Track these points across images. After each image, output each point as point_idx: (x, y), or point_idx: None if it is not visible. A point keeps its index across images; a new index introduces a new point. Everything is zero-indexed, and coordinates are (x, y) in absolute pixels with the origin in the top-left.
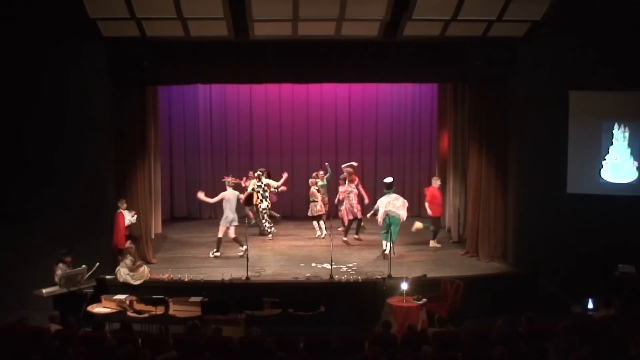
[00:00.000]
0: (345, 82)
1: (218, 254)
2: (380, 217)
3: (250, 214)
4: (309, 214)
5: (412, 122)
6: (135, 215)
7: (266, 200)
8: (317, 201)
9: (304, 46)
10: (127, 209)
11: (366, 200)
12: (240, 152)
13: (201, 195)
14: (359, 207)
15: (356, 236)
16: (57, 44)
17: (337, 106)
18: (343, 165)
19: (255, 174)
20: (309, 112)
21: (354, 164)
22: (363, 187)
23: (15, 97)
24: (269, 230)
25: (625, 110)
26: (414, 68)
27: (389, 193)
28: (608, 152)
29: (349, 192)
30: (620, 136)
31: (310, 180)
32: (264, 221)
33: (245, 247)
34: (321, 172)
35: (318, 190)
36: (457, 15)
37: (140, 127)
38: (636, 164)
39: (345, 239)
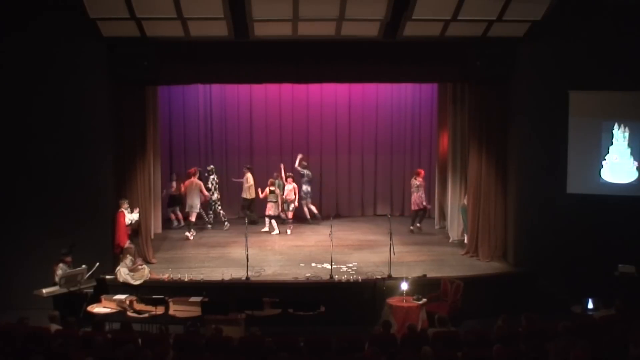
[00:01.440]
0: (345, 82)
1: (189, 234)
2: None
3: (173, 215)
4: (271, 213)
5: (412, 122)
6: (138, 213)
7: (217, 192)
8: (276, 201)
9: (304, 46)
10: (128, 208)
11: (291, 196)
12: (240, 152)
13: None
14: (425, 200)
15: (418, 224)
16: (57, 44)
17: (337, 106)
18: (296, 165)
19: (209, 168)
20: (309, 113)
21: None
22: (293, 181)
23: (16, 97)
24: (224, 219)
25: (625, 110)
26: (414, 68)
27: None
28: (608, 152)
29: (418, 186)
30: (620, 136)
31: (270, 180)
32: (219, 210)
33: (192, 233)
34: (276, 173)
35: (273, 192)
36: (457, 15)
37: (140, 127)
38: (636, 164)
39: (411, 227)
